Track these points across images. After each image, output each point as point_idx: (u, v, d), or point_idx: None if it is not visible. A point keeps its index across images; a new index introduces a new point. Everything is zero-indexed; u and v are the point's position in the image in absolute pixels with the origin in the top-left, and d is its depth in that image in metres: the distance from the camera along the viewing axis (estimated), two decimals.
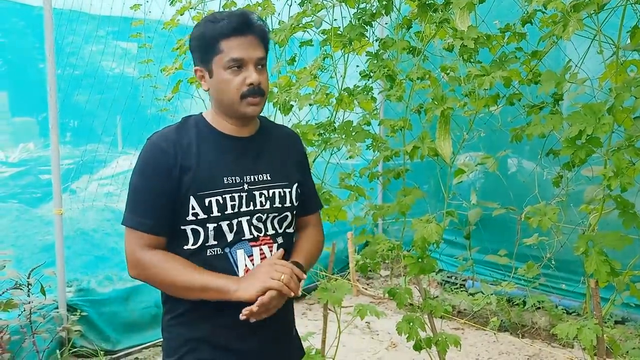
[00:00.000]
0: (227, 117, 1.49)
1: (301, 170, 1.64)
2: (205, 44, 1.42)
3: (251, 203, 1.48)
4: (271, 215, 1.51)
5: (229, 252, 1.46)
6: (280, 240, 1.54)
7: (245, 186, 1.48)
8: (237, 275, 1.46)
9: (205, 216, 1.42)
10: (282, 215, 1.53)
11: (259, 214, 1.49)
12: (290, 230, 1.58)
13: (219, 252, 1.45)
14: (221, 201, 1.44)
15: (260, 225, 1.50)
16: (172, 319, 1.51)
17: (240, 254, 1.47)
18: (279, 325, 1.59)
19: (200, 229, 1.43)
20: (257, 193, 1.49)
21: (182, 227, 1.43)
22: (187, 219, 1.42)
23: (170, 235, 1.46)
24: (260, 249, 1.50)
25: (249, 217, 1.48)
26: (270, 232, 1.52)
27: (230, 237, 1.46)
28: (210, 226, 1.43)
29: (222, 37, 1.40)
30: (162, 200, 1.41)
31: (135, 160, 1.47)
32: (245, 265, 1.48)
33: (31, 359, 2.92)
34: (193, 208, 1.42)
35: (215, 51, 1.41)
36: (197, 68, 1.48)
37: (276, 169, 1.54)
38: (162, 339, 1.56)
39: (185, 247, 1.44)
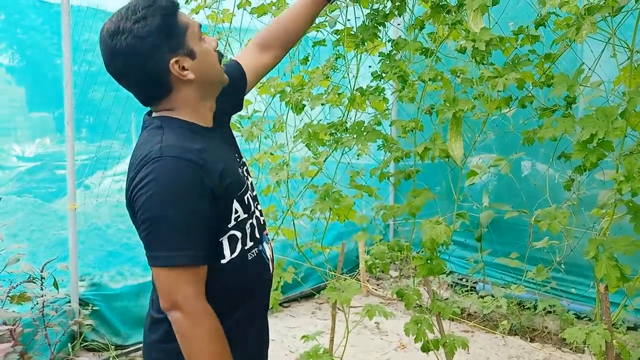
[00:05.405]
0: (210, 100, 1.35)
1: (234, 100, 1.55)
2: (171, 28, 1.24)
3: (250, 186, 1.43)
4: (254, 193, 1.46)
5: (262, 250, 1.41)
6: (262, 218, 1.48)
7: (243, 171, 1.43)
8: (270, 271, 1.43)
9: (246, 215, 1.34)
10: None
11: (255, 195, 1.45)
12: None
13: (256, 253, 1.38)
14: (250, 194, 1.39)
15: (259, 207, 1.46)
16: (173, 341, 1.25)
17: (267, 248, 1.44)
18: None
19: (239, 233, 1.32)
20: (247, 175, 1.45)
21: (220, 239, 1.30)
22: (229, 226, 1.30)
23: None
24: (266, 233, 1.49)
25: (256, 203, 1.44)
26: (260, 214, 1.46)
27: (257, 232, 1.39)
28: (248, 224, 1.35)
29: (176, 14, 1.26)
30: (209, 223, 1.24)
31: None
32: (271, 255, 1.47)
33: (43, 352, 2.95)
34: (236, 212, 1.30)
35: (183, 28, 1.25)
36: (175, 60, 1.24)
37: (236, 144, 1.50)
38: None
39: (223, 261, 1.30)
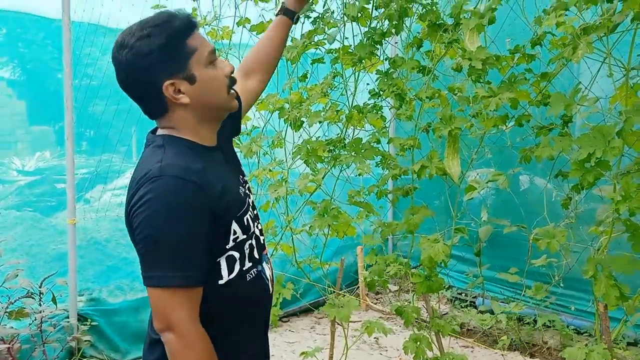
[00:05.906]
0: (211, 123, 1.34)
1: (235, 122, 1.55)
2: (174, 50, 1.23)
3: (251, 206, 1.42)
4: (255, 212, 1.46)
5: (261, 270, 1.40)
6: (262, 238, 1.48)
7: (245, 191, 1.43)
8: (270, 291, 1.43)
9: (245, 236, 1.33)
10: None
11: (256, 214, 1.45)
12: None
13: (254, 274, 1.37)
14: (251, 215, 1.38)
15: (260, 226, 1.46)
16: None
17: (267, 268, 1.44)
18: None
19: (237, 254, 1.31)
20: (249, 194, 1.45)
21: (218, 260, 1.29)
22: (226, 247, 1.29)
23: None
24: (266, 253, 1.48)
25: (256, 223, 1.43)
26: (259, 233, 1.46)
27: (256, 252, 1.39)
28: (246, 244, 1.34)
29: (187, 36, 1.25)
30: (206, 244, 1.23)
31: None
32: (271, 275, 1.46)
33: None
34: (234, 232, 1.29)
35: (189, 52, 1.24)
36: (169, 83, 1.23)
37: (240, 164, 1.51)
38: None
39: (221, 282, 1.29)
